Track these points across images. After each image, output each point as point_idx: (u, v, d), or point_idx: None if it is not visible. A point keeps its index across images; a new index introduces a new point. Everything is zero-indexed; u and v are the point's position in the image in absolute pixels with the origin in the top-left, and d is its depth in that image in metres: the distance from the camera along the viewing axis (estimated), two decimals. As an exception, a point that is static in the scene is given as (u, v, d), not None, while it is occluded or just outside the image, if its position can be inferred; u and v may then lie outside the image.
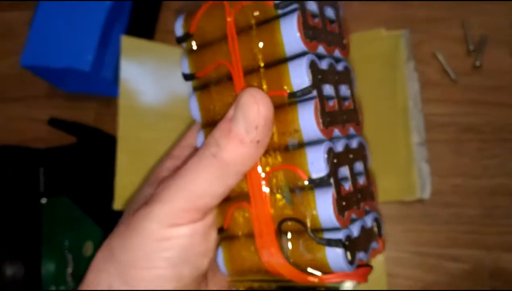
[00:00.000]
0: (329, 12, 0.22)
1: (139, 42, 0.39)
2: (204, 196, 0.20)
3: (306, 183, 0.19)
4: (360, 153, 0.22)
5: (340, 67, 0.22)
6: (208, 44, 0.22)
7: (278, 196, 0.20)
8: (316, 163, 0.19)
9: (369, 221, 0.21)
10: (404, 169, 0.35)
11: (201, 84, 0.22)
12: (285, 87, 0.19)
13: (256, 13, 0.20)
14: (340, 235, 0.19)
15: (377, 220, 0.22)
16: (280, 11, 0.20)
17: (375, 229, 0.22)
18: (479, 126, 0.37)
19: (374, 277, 0.35)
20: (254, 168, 0.20)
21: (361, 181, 0.22)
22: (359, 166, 0.22)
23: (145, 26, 0.43)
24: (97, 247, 0.36)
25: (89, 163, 0.38)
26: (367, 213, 0.22)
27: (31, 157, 0.40)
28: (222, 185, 0.20)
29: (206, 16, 0.22)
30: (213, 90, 0.22)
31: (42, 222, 0.38)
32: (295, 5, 0.19)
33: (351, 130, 0.22)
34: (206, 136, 0.22)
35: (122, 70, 0.37)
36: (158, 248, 0.20)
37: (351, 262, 0.19)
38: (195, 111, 0.22)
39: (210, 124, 0.22)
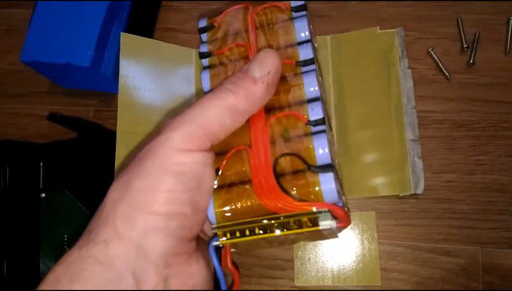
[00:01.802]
0: None
1: (139, 39, 0.39)
2: (215, 124, 0.22)
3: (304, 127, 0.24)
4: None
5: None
6: (228, 33, 0.28)
7: (278, 138, 0.24)
8: (315, 109, 0.24)
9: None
10: (398, 164, 0.35)
11: (216, 62, 0.28)
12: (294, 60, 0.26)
13: (274, 14, 0.28)
14: (330, 166, 0.22)
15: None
16: (294, 14, 0.28)
17: None
18: (472, 123, 0.37)
19: (368, 271, 0.35)
20: (260, 114, 0.24)
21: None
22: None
23: (144, 23, 0.44)
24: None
25: (88, 157, 0.39)
26: None
27: (31, 151, 0.40)
28: (232, 117, 0.22)
29: (230, 14, 0.30)
30: (228, 67, 0.27)
31: (41, 216, 0.39)
32: (305, 12, 0.28)
33: None
34: None
35: (122, 67, 0.38)
36: (174, 171, 0.21)
37: (339, 194, 0.22)
38: (206, 84, 0.27)
39: None
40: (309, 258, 0.36)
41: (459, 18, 0.39)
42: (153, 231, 0.20)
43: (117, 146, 0.36)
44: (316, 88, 0.25)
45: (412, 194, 0.35)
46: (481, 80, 0.38)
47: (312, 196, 0.22)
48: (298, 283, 0.36)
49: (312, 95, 0.25)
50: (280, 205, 0.21)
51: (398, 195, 0.35)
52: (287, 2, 0.28)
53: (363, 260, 0.35)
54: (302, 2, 0.28)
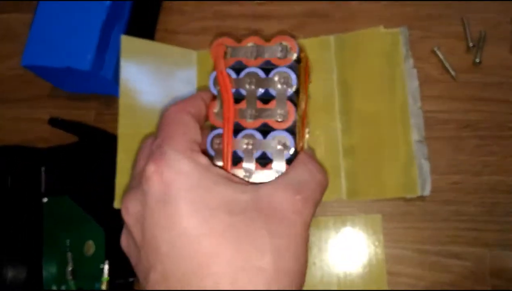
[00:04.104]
0: None
1: (139, 42, 0.39)
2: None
3: None
4: None
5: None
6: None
7: None
8: None
9: None
10: (404, 166, 0.35)
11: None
12: None
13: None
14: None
15: None
16: None
17: None
18: (478, 123, 0.37)
19: (374, 275, 0.35)
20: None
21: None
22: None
23: (145, 26, 0.43)
24: (98, 246, 0.36)
25: (90, 161, 0.39)
26: None
27: (32, 156, 0.40)
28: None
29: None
30: None
31: (43, 221, 0.38)
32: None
33: None
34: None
35: (122, 70, 0.37)
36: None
37: None
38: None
39: None
40: (314, 263, 0.36)
41: (464, 16, 0.39)
42: None
43: (118, 149, 0.36)
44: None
45: (418, 196, 0.35)
46: (487, 80, 0.37)
47: None
48: (303, 288, 0.35)
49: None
50: None
51: (405, 197, 0.35)
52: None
53: (370, 264, 0.35)
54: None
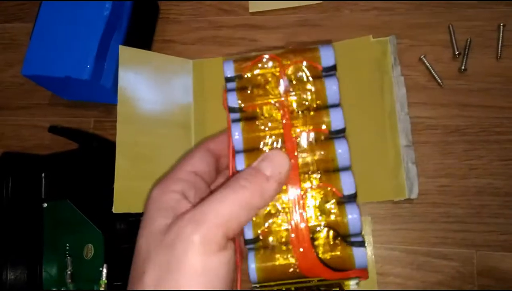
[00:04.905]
0: None
1: (137, 52, 0.40)
2: (232, 222, 0.22)
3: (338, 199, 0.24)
4: None
5: None
6: (258, 86, 0.27)
7: (314, 209, 0.25)
8: (347, 184, 0.25)
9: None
10: (393, 170, 0.36)
11: (246, 116, 0.27)
12: (325, 126, 0.25)
13: (305, 71, 0.27)
14: (361, 238, 0.24)
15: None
16: (324, 73, 0.26)
17: None
18: (465, 128, 0.38)
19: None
20: (294, 183, 0.25)
21: None
22: None
23: (143, 36, 0.44)
24: (97, 249, 0.37)
25: (89, 168, 0.39)
26: None
27: (33, 162, 0.41)
28: (247, 214, 0.23)
29: (258, 64, 0.28)
30: (261, 123, 0.26)
31: (43, 225, 0.39)
32: (334, 72, 0.27)
33: None
34: (246, 160, 0.26)
35: (120, 79, 0.39)
36: (204, 281, 0.21)
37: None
38: (239, 140, 0.26)
39: (251, 150, 0.26)
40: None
41: (450, 25, 0.40)
42: None
43: (116, 155, 0.37)
44: (347, 158, 0.25)
45: (406, 199, 0.36)
46: (473, 86, 0.39)
47: (346, 266, 0.24)
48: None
49: (344, 165, 0.25)
50: (320, 276, 0.24)
51: (393, 200, 0.36)
52: (318, 57, 0.27)
53: (360, 264, 0.36)
54: (333, 62, 0.27)
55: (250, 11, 0.45)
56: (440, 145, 0.38)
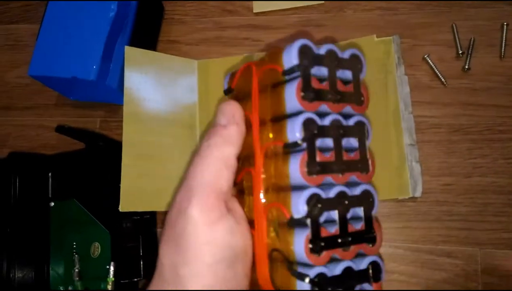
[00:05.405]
0: (346, 74, 0.25)
1: (142, 53, 0.40)
2: (218, 182, 0.23)
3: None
4: (364, 199, 0.24)
5: (350, 122, 0.25)
6: (241, 97, 0.26)
7: (271, 229, 0.23)
8: (296, 205, 0.22)
9: (361, 263, 0.23)
10: (397, 168, 0.36)
11: None
12: (283, 139, 0.23)
13: (271, 77, 0.24)
14: (310, 272, 0.21)
15: (374, 264, 0.23)
16: (287, 77, 0.23)
17: (370, 272, 0.23)
18: (468, 127, 0.38)
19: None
20: (258, 201, 0.24)
21: (358, 225, 0.23)
22: (358, 211, 0.24)
23: (148, 37, 0.45)
24: (104, 247, 0.37)
25: (95, 167, 0.40)
26: (361, 255, 0.23)
27: (40, 162, 0.41)
28: (226, 166, 0.24)
29: (242, 76, 0.27)
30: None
31: (50, 224, 0.40)
32: (298, 73, 0.23)
33: (353, 178, 0.24)
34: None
35: (126, 79, 0.39)
36: (211, 252, 0.22)
37: None
38: None
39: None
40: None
41: (454, 24, 0.40)
42: None
43: (123, 155, 0.38)
44: (299, 176, 0.22)
45: (410, 197, 0.36)
46: (477, 85, 0.39)
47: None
48: None
49: (299, 183, 0.22)
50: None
51: (397, 198, 0.36)
52: (281, 61, 0.23)
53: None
54: (295, 62, 0.23)
55: (254, 11, 0.45)
56: (444, 144, 0.38)
